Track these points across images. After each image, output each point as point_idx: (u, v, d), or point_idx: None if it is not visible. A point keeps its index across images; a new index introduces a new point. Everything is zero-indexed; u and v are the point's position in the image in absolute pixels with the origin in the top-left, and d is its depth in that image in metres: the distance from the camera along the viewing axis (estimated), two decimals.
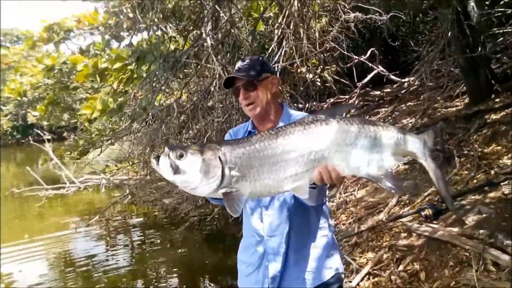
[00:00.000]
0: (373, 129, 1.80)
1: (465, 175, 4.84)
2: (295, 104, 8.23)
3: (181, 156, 1.74)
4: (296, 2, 5.52)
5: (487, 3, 6.36)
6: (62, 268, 7.16)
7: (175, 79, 5.46)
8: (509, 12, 6.52)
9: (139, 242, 8.28)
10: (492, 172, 4.56)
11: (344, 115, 1.87)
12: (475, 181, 4.66)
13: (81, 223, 9.87)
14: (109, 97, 6.51)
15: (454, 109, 7.32)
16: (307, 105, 8.88)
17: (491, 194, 4.17)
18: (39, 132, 11.77)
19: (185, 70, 5.33)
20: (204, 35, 4.59)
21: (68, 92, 11.11)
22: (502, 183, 4.24)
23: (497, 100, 6.47)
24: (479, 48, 6.06)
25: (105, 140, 7.98)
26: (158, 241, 8.07)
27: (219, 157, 1.73)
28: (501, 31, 6.68)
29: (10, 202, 12.05)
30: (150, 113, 5.02)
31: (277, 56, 5.98)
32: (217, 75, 4.47)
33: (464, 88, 7.36)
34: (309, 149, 1.73)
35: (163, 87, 5.22)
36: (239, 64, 2.21)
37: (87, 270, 6.87)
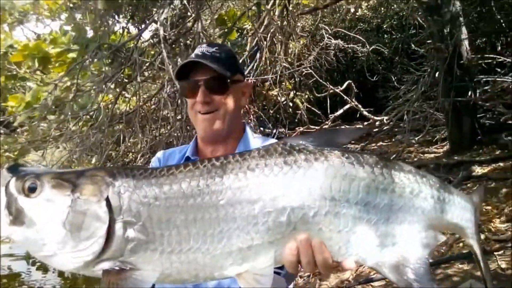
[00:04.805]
0: (399, 178, 0.99)
1: (449, 237, 4.11)
2: (261, 129, 7.43)
3: (32, 189, 0.92)
4: (277, 10, 4.78)
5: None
6: None
7: (112, 77, 4.48)
8: (500, 60, 6.08)
9: None
10: (483, 236, 3.85)
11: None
12: (460, 244, 3.93)
13: None
14: (41, 88, 5.44)
15: (432, 155, 6.73)
16: (275, 131, 8.13)
17: None
18: None
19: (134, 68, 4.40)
20: (158, 23, 3.67)
21: (15, 82, 9.92)
22: (496, 253, 3.52)
23: (480, 151, 5.92)
24: (470, 93, 5.51)
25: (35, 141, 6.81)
26: None
27: (107, 198, 0.92)
28: (490, 78, 6.22)
29: None
30: (81, 114, 4.02)
31: (248, 69, 5.17)
32: (166, 80, 3.57)
33: (444, 134, 6.82)
34: (281, 203, 0.92)
35: (105, 86, 4.24)
36: (203, 48, 1.39)
37: None
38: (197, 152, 1.49)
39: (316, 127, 9.98)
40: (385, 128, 8.91)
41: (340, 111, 9.82)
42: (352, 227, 0.92)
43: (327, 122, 9.86)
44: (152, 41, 4.28)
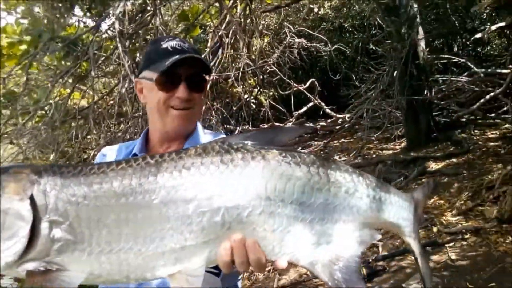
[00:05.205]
0: (335, 177, 1.00)
1: None
2: (225, 125, 7.40)
3: None
4: (239, 7, 4.76)
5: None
6: None
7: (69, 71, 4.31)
8: (455, 60, 6.33)
9: None
10: (435, 229, 4.01)
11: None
12: None
13: None
14: None
15: (390, 152, 6.94)
16: (238, 128, 8.12)
17: (436, 257, 3.57)
18: None
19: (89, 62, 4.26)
20: (113, 17, 3.55)
21: None
22: (447, 245, 3.67)
23: (435, 148, 6.15)
24: (425, 91, 5.71)
25: None
26: None
27: (31, 196, 0.87)
28: (445, 78, 6.46)
29: None
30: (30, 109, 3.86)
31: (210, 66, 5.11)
32: (122, 76, 3.48)
33: (402, 131, 7.04)
34: (216, 203, 0.91)
35: (60, 80, 4.08)
36: (177, 42, 1.36)
37: None
38: (146, 149, 1.46)
39: (281, 125, 10.08)
40: (346, 125, 9.10)
41: (304, 108, 9.95)
42: (286, 227, 0.92)
43: (291, 119, 9.99)
44: (108, 35, 4.15)
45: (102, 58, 4.17)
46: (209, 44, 5.13)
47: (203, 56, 5.28)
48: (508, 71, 5.44)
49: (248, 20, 5.95)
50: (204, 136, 1.48)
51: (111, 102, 4.57)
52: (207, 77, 1.45)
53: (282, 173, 0.93)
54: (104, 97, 4.36)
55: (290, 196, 0.93)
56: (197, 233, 0.89)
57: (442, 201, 4.47)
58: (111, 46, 4.96)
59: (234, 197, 0.90)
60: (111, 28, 3.83)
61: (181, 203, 0.88)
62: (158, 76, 1.32)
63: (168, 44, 1.36)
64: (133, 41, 4.80)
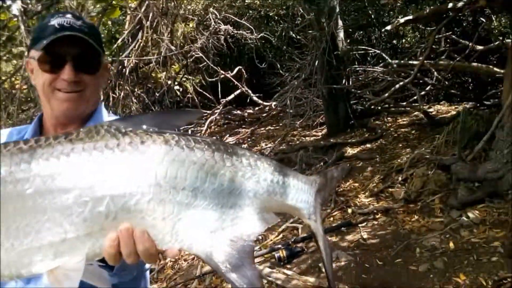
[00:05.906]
0: (231, 161, 0.96)
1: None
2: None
3: None
4: None
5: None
6: None
7: None
8: (371, 51, 6.67)
9: None
10: (350, 210, 4.25)
11: (181, 130, 1.01)
12: (331, 218, 4.29)
13: None
14: None
15: (312, 138, 7.20)
16: None
17: (350, 237, 3.79)
18: None
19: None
20: None
21: None
22: (360, 225, 3.91)
23: (352, 134, 6.49)
24: (344, 81, 5.97)
25: None
26: None
27: None
28: (362, 68, 6.80)
29: None
30: None
31: (129, 49, 4.89)
32: (25, 57, 3.18)
33: (323, 119, 7.32)
34: (100, 191, 0.84)
35: None
36: (68, 19, 1.23)
37: None
38: (40, 134, 1.34)
39: (208, 112, 10.00)
40: (272, 113, 9.28)
41: (231, 96, 9.96)
42: (178, 214, 0.88)
43: (219, 107, 9.95)
44: (11, 14, 3.76)
45: (3, 38, 3.78)
46: (126, 26, 4.88)
47: (121, 38, 4.99)
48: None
49: (172, 4, 5.77)
50: (108, 119, 1.39)
51: (17, 85, 4.19)
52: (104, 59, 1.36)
53: (174, 158, 0.89)
54: (8, 80, 3.96)
55: (182, 182, 0.88)
56: (78, 225, 0.82)
57: (356, 184, 4.74)
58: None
59: (120, 185, 0.84)
60: (15, 6, 3.48)
61: (59, 192, 0.81)
62: (40, 55, 1.21)
63: (56, 21, 1.23)
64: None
